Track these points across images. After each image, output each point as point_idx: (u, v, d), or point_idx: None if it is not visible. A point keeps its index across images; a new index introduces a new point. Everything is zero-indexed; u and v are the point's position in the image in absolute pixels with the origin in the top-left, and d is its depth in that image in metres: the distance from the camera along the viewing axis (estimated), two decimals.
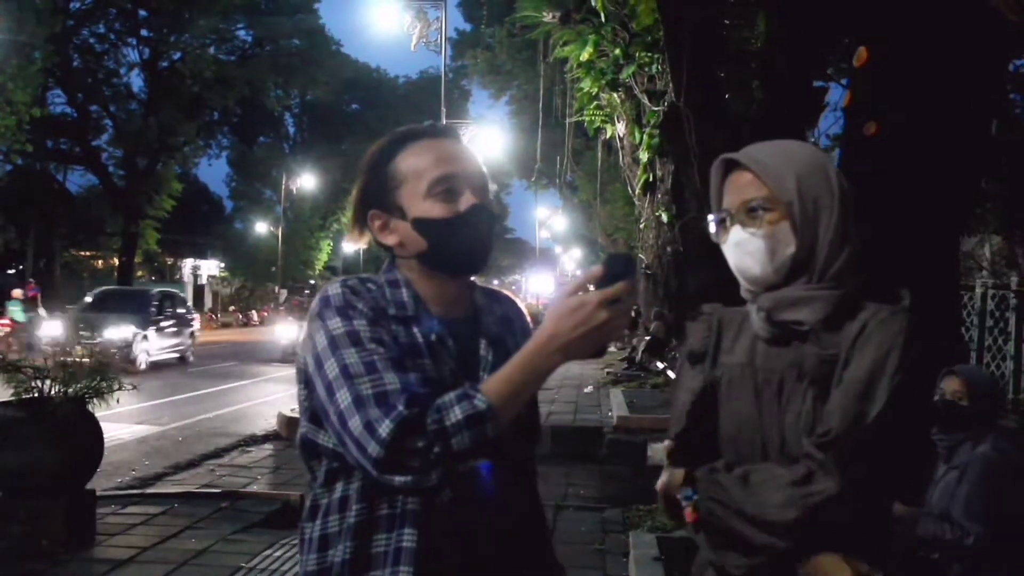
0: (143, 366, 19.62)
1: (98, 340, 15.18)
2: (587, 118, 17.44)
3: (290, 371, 9.61)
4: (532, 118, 28.63)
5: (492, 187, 1.86)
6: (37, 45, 29.01)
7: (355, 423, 1.57)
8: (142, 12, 42.14)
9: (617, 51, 13.78)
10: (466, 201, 1.76)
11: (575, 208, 42.36)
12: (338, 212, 56.68)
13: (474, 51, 36.26)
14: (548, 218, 55.84)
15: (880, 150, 4.81)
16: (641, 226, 19.45)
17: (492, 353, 1.80)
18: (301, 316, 22.14)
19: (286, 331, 24.10)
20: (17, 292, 24.14)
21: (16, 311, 22.97)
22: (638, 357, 18.60)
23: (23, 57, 27.96)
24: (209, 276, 59.50)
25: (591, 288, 1.58)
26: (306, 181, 52.35)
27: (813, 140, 9.05)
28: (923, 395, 1.77)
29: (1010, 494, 3.40)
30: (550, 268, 71.53)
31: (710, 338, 1.97)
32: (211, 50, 44.53)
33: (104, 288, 25.13)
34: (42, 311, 25.21)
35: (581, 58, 14.34)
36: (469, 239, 1.77)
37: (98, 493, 6.50)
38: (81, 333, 15.06)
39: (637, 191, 17.01)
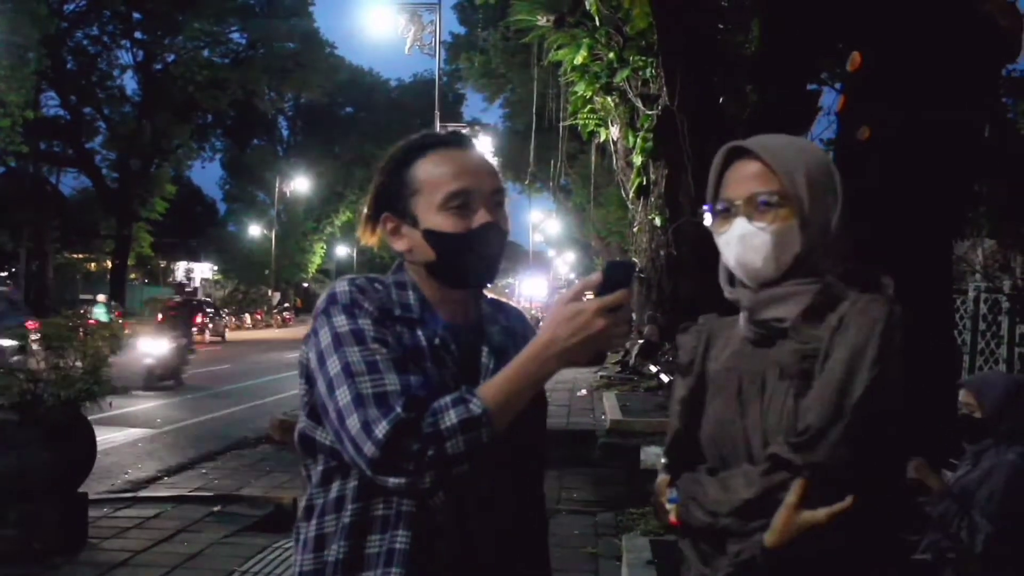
0: None
1: None
2: (581, 122, 17.45)
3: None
4: (526, 121, 28.61)
5: (506, 202, 1.86)
6: (31, 47, 29.01)
7: (353, 422, 1.57)
8: (136, 15, 42.16)
9: (611, 55, 13.80)
10: (479, 219, 1.76)
11: (569, 212, 42.34)
12: (331, 215, 56.77)
13: (468, 54, 36.27)
14: (542, 222, 55.84)
15: (873, 154, 4.83)
16: (635, 230, 19.46)
17: (494, 361, 1.79)
18: (177, 328, 19.37)
19: (154, 347, 17.01)
20: (102, 296, 29.60)
21: (101, 312, 26.24)
22: (631, 361, 18.60)
23: (17, 59, 27.96)
24: (202, 279, 59.50)
25: (588, 296, 1.58)
26: (299, 184, 52.43)
27: None
28: (912, 384, 1.73)
29: None
30: (543, 272, 71.61)
31: (698, 347, 1.95)
32: (205, 53, 44.55)
33: None
34: None
35: (575, 62, 14.36)
36: (477, 256, 1.77)
37: (91, 496, 6.48)
38: None
39: (631, 195, 16.99)
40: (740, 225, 1.78)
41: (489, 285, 1.87)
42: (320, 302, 1.74)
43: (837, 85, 8.12)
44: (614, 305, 1.56)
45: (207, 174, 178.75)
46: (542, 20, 15.56)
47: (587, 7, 13.69)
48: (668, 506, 1.86)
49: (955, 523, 3.41)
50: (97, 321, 23.55)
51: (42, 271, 39.22)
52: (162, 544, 6.13)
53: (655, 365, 17.39)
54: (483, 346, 1.82)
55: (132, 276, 50.70)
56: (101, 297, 29.38)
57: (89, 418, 6.33)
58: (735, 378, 1.81)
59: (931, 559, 3.48)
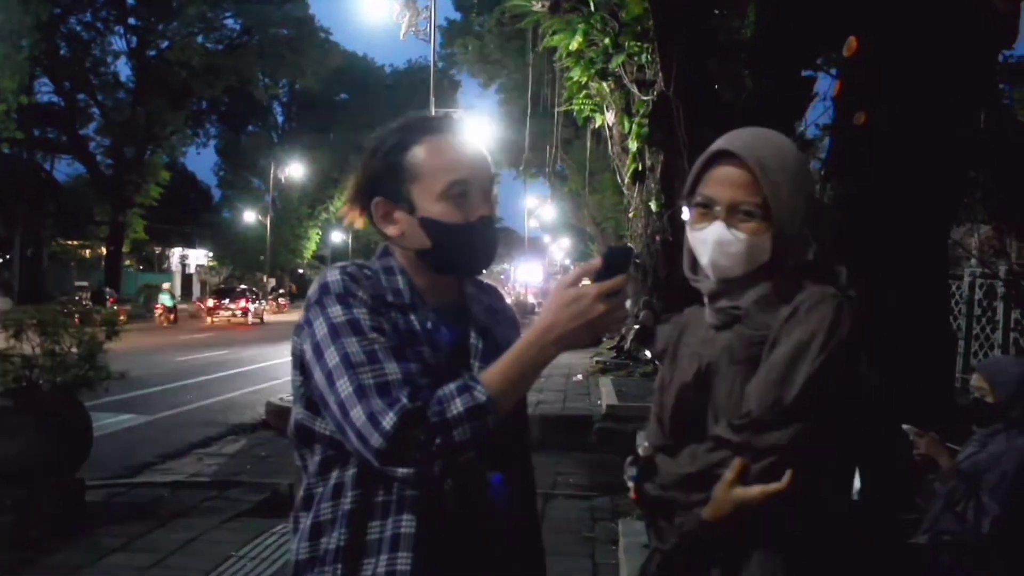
0: None
1: None
2: (576, 107, 17.39)
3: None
4: (521, 107, 28.57)
5: (496, 190, 1.87)
6: (24, 33, 28.87)
7: (357, 413, 1.56)
8: (129, 1, 41.95)
9: (606, 40, 13.76)
10: (477, 211, 1.76)
11: (564, 197, 42.32)
12: (326, 201, 56.63)
13: (463, 40, 36.17)
14: (537, 207, 55.75)
15: (869, 140, 4.83)
16: (630, 215, 19.43)
17: (482, 342, 1.81)
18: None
19: None
20: (166, 284, 34.94)
21: (166, 299, 31.90)
22: (627, 346, 18.61)
23: (10, 45, 27.83)
24: (197, 265, 59.39)
25: (586, 282, 1.59)
26: (294, 170, 52.26)
27: (802, 129, 9.06)
28: (861, 379, 1.78)
29: None
30: (538, 258, 71.56)
31: (673, 335, 2.02)
32: (199, 39, 44.45)
33: None
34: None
35: (570, 47, 14.31)
36: (473, 248, 1.78)
37: (87, 482, 6.49)
38: None
39: (626, 180, 16.96)
40: (718, 229, 1.82)
41: (484, 272, 1.89)
42: (312, 292, 1.73)
43: (833, 71, 8.11)
44: (614, 290, 1.56)
45: (201, 160, 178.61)
46: (537, 6, 15.51)
47: None
48: (629, 483, 1.95)
49: (962, 503, 3.42)
50: (163, 306, 32.82)
51: (37, 258, 39.16)
52: (158, 530, 6.14)
53: (650, 350, 17.40)
54: (471, 328, 1.83)
55: (127, 263, 50.61)
56: (166, 285, 34.62)
57: (86, 404, 6.33)
58: (696, 362, 1.88)
59: (928, 542, 3.48)
